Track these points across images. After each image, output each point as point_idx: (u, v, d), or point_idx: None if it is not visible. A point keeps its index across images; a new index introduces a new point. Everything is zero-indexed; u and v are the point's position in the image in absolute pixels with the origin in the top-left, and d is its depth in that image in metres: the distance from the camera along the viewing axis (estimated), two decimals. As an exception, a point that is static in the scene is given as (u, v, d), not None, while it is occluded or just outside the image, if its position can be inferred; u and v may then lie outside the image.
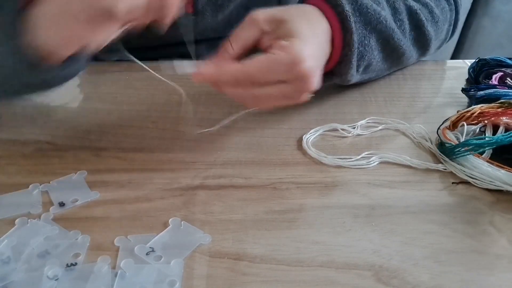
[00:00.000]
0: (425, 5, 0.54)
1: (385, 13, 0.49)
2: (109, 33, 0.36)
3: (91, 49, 0.37)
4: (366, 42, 0.48)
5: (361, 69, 0.50)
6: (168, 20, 0.38)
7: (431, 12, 0.54)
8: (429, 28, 0.53)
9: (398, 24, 0.50)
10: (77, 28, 0.35)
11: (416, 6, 0.52)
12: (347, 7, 0.45)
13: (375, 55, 0.50)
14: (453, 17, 0.59)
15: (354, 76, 0.50)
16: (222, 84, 0.40)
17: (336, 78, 0.50)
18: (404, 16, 0.51)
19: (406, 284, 0.32)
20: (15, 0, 0.36)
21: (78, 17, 0.34)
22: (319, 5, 0.45)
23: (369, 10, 0.47)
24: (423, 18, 0.52)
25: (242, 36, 0.42)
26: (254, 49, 0.42)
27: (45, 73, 0.39)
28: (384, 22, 0.48)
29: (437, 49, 0.61)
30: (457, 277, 0.33)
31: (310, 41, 0.41)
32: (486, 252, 0.35)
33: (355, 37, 0.46)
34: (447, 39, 0.62)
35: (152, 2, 0.35)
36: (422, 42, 0.55)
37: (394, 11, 0.51)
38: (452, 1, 0.58)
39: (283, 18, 0.41)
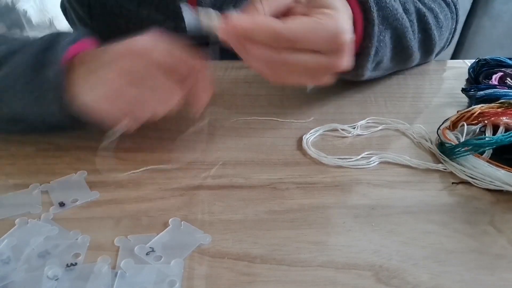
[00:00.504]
0: (431, 10, 0.54)
1: (401, 11, 0.48)
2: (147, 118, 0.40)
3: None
4: (382, 37, 0.47)
5: (374, 65, 0.50)
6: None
7: (436, 17, 0.54)
8: (435, 32, 0.53)
9: (410, 24, 0.50)
10: (117, 116, 0.39)
11: (423, 9, 0.52)
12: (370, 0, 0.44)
13: (387, 53, 0.50)
14: (453, 26, 0.60)
15: (368, 72, 0.49)
16: (252, 43, 0.35)
17: (352, 72, 0.48)
18: (414, 17, 0.51)
19: (406, 284, 0.32)
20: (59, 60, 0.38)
21: (121, 111, 0.39)
22: None
23: (387, 5, 0.46)
24: (430, 22, 0.52)
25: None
26: None
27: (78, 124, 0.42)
28: (400, 19, 0.48)
29: (436, 55, 0.61)
30: (457, 277, 0.33)
31: (347, 18, 0.39)
32: (486, 252, 0.35)
33: (376, 30, 0.45)
34: (445, 47, 0.62)
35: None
36: (427, 46, 0.55)
37: (406, 11, 0.50)
38: (454, 10, 0.58)
39: None
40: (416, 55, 0.54)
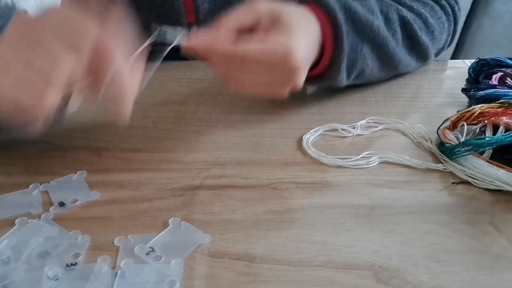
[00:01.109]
0: (419, 15, 0.55)
1: (378, 22, 0.49)
2: (53, 100, 0.34)
3: (38, 116, 0.34)
4: (359, 50, 0.48)
5: (353, 76, 0.51)
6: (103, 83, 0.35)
7: (425, 22, 0.55)
8: (424, 37, 0.54)
9: (391, 34, 0.51)
10: (19, 97, 0.33)
11: (409, 16, 0.53)
12: (339, 15, 0.46)
13: (369, 64, 0.51)
14: (452, 28, 0.60)
15: (344, 80, 0.50)
16: (212, 59, 0.40)
17: (326, 81, 0.50)
18: (396, 26, 0.52)
19: (406, 284, 0.32)
20: None
21: (19, 86, 0.33)
22: (314, 10, 0.46)
23: (361, 19, 0.48)
24: (416, 28, 0.53)
25: (240, 17, 0.41)
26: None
27: None
28: (376, 31, 0.49)
29: (436, 56, 0.61)
30: (457, 277, 0.33)
31: (304, 38, 0.41)
32: (486, 252, 0.35)
33: (346, 43, 0.46)
34: (445, 48, 0.62)
35: (91, 65, 0.34)
36: (418, 51, 0.55)
37: (387, 20, 0.51)
38: (451, 12, 0.59)
39: (282, 13, 0.41)
40: (406, 62, 0.55)
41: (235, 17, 0.41)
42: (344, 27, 0.46)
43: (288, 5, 0.45)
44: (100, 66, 0.35)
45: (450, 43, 0.62)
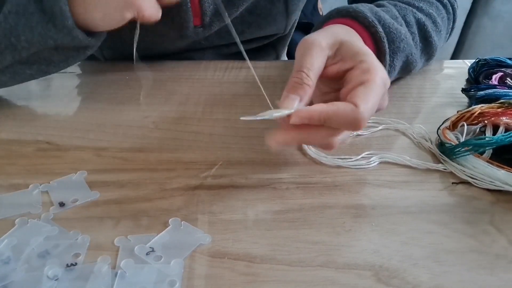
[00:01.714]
0: (429, 15, 0.54)
1: (405, 30, 0.48)
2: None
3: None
4: (390, 61, 0.48)
5: None
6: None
7: (434, 22, 0.54)
8: (435, 38, 0.54)
9: (412, 38, 0.50)
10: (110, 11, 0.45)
11: (423, 17, 0.53)
12: (380, 28, 0.44)
13: (395, 75, 0.50)
14: (450, 26, 0.60)
15: None
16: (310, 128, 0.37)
17: None
18: (415, 29, 0.51)
19: (406, 284, 0.32)
20: None
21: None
22: (350, 24, 0.44)
23: (391, 29, 0.46)
24: (430, 30, 0.53)
25: (316, 65, 0.37)
26: None
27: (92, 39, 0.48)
28: (405, 39, 0.48)
29: None
30: (457, 277, 0.33)
31: (380, 69, 0.38)
32: (486, 252, 0.35)
33: (387, 58, 0.45)
34: (442, 46, 0.62)
35: None
36: (428, 52, 0.55)
37: (407, 24, 0.51)
38: (451, 10, 0.59)
39: (341, 40, 0.39)
40: (419, 65, 0.55)
41: (312, 67, 0.37)
42: (386, 42, 0.44)
43: (330, 28, 0.43)
44: None
45: (446, 40, 0.62)
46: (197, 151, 0.46)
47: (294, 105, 0.36)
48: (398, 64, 0.49)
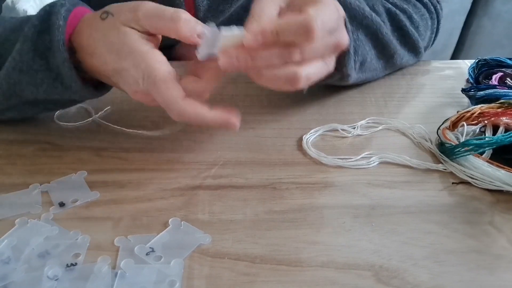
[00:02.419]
0: (403, 11, 0.55)
1: (369, 10, 0.49)
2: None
3: None
4: (355, 36, 0.48)
5: (357, 65, 0.50)
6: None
7: (409, 17, 0.55)
8: (411, 28, 0.54)
9: (382, 22, 0.51)
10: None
11: (393, 8, 0.53)
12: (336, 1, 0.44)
13: (367, 51, 0.50)
14: (435, 25, 0.60)
15: (353, 69, 0.49)
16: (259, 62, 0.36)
17: (337, 74, 0.48)
18: (384, 17, 0.52)
19: (406, 284, 0.32)
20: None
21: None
22: None
23: (352, 6, 0.47)
24: (403, 19, 0.53)
25: (266, 13, 0.37)
26: None
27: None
28: (369, 16, 0.48)
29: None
30: (457, 277, 0.33)
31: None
32: (486, 252, 0.35)
33: (349, 26, 0.45)
34: (429, 46, 0.62)
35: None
36: (409, 43, 0.55)
37: (375, 12, 0.51)
38: (433, 10, 0.59)
39: None
40: (401, 53, 0.55)
41: (261, 15, 0.37)
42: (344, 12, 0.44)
43: None
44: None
45: (433, 42, 0.62)
46: (197, 151, 0.46)
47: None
48: (365, 39, 0.49)
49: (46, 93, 0.42)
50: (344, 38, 0.39)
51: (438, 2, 0.60)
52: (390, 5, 0.53)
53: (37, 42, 0.39)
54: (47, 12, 0.40)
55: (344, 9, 0.45)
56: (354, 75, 0.51)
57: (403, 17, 0.53)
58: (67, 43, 0.39)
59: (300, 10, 0.37)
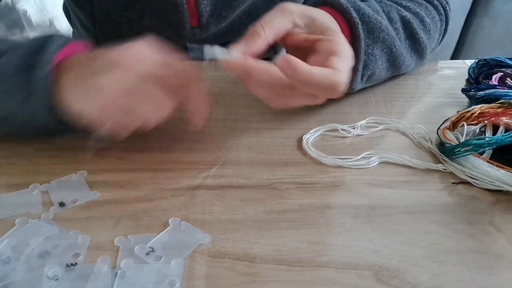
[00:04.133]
0: (416, 14, 0.55)
1: (386, 22, 0.49)
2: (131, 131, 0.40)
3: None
4: (370, 51, 0.48)
5: (365, 79, 0.50)
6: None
7: (422, 21, 0.55)
8: (422, 35, 0.54)
9: (395, 33, 0.51)
10: (106, 123, 0.38)
11: (408, 15, 0.53)
12: (354, 14, 0.45)
13: (379, 65, 0.50)
14: (443, 27, 0.60)
15: (359, 84, 0.50)
16: (251, 80, 0.39)
17: None
18: (399, 26, 0.52)
19: (406, 284, 0.32)
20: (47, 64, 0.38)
21: (110, 119, 0.38)
22: (327, 11, 0.45)
23: (371, 19, 0.47)
24: (416, 27, 0.53)
25: (275, 23, 0.40)
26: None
27: (65, 126, 0.41)
28: (385, 30, 0.48)
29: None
30: (457, 277, 0.33)
31: (344, 39, 0.41)
32: (486, 252, 0.35)
33: (362, 45, 0.46)
34: (435, 47, 0.63)
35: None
36: (418, 50, 0.55)
37: (390, 20, 0.51)
38: (443, 12, 0.59)
39: (314, 15, 0.41)
40: (409, 62, 0.55)
41: (270, 24, 0.39)
42: (361, 28, 0.45)
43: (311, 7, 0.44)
44: (188, 93, 0.40)
45: (440, 42, 0.62)
46: (197, 151, 0.46)
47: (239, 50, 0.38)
48: (379, 54, 0.49)
49: (11, 108, 0.40)
50: (343, 83, 0.40)
51: (447, 2, 0.60)
52: (404, 12, 0.53)
53: (26, 57, 0.39)
54: (43, 38, 0.40)
55: (363, 22, 0.47)
56: (358, 87, 0.51)
57: (416, 24, 0.53)
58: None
59: (317, 45, 0.40)
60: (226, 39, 0.65)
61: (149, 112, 0.39)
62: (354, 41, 0.45)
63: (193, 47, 0.39)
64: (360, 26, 0.45)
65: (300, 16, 0.41)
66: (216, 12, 0.60)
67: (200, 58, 0.39)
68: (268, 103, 0.41)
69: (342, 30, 0.43)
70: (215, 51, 0.38)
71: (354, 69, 0.46)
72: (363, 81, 0.51)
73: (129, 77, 0.37)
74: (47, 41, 0.40)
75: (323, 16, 0.42)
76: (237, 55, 0.38)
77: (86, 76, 0.37)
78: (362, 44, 0.46)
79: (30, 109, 0.39)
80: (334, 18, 0.44)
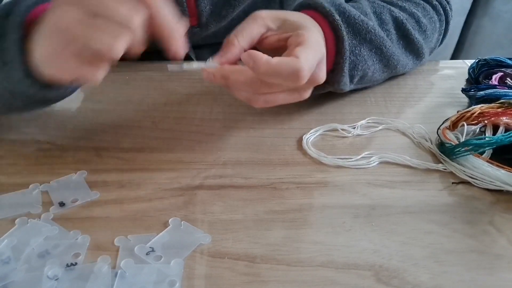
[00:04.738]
0: (412, 15, 0.55)
1: (373, 23, 0.50)
2: (104, 69, 0.36)
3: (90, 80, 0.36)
4: (357, 51, 0.48)
5: (355, 80, 0.51)
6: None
7: (418, 21, 0.55)
8: (417, 36, 0.54)
9: (386, 34, 0.51)
10: (72, 65, 0.35)
11: (402, 16, 0.53)
12: (337, 17, 0.46)
13: (370, 66, 0.50)
14: (443, 27, 0.60)
15: (348, 85, 0.50)
16: (229, 83, 0.41)
17: (330, 87, 0.50)
18: (390, 27, 0.52)
19: (406, 284, 0.32)
20: (18, 27, 0.37)
21: (73, 58, 0.34)
22: (310, 14, 0.46)
23: (356, 21, 0.48)
24: (410, 27, 0.53)
25: (248, 30, 0.42)
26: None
27: (48, 91, 0.40)
28: (373, 31, 0.49)
29: (428, 55, 0.61)
30: (457, 277, 0.33)
31: (319, 34, 0.43)
32: (486, 252, 0.35)
33: (346, 45, 0.46)
34: (436, 47, 0.63)
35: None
36: (413, 50, 0.55)
37: (381, 21, 0.51)
38: (442, 12, 0.59)
39: (286, 16, 0.43)
40: (405, 62, 0.55)
41: (243, 33, 0.42)
42: (344, 30, 0.46)
43: (288, 11, 0.46)
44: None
45: (441, 43, 0.62)
46: (197, 151, 0.46)
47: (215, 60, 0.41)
48: (368, 54, 0.49)
49: None
50: (320, 75, 0.42)
51: (447, 2, 0.60)
52: (398, 13, 0.53)
53: None
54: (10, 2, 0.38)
55: (348, 25, 0.47)
56: (348, 88, 0.51)
57: (409, 25, 0.53)
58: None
59: (287, 42, 0.41)
60: (225, 38, 0.65)
61: (108, 35, 0.34)
62: (338, 43, 0.46)
63: (173, 66, 0.40)
64: (342, 28, 0.46)
65: (272, 20, 0.43)
66: (216, 12, 0.60)
67: (180, 71, 0.41)
68: (251, 104, 0.42)
69: (325, 33, 0.45)
70: (193, 66, 0.41)
71: (339, 70, 0.47)
72: (354, 82, 0.51)
73: (78, 7, 0.34)
74: (15, 4, 0.38)
75: (296, 17, 0.43)
76: (214, 64, 0.40)
77: (45, 26, 0.35)
78: (346, 44, 0.46)
79: (8, 79, 0.38)
80: (318, 21, 0.45)
